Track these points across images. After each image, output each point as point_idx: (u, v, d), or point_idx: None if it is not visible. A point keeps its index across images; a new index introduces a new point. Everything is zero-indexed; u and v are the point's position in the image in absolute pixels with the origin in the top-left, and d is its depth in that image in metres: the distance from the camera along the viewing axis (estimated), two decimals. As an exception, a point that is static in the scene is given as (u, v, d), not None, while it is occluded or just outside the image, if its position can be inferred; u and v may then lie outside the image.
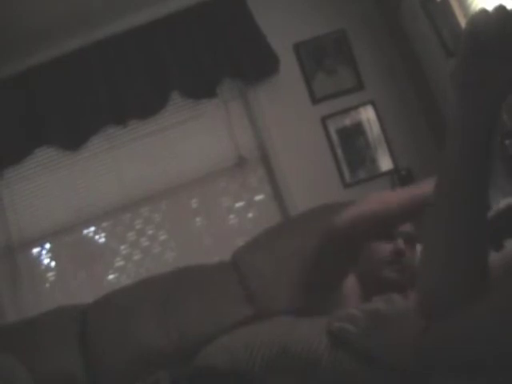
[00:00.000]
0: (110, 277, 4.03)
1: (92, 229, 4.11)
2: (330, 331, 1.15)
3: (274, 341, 1.20)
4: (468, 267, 0.96)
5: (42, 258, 4.08)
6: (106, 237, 4.12)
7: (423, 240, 1.01)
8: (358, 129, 4.04)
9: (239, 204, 4.14)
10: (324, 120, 4.03)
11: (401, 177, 3.84)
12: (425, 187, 1.61)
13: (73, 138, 3.92)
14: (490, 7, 0.89)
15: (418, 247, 1.97)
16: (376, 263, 1.86)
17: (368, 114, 4.05)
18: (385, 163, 3.99)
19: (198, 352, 1.34)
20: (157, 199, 4.07)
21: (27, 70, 3.91)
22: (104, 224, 4.09)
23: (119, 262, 4.05)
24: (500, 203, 2.79)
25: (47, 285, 4.03)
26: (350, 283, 1.91)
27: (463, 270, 0.96)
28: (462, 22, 3.18)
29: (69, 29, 3.87)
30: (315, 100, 4.07)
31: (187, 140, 4.07)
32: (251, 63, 3.94)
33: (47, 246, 4.08)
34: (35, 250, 4.06)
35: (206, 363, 1.20)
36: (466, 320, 0.91)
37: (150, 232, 4.08)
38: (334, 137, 4.02)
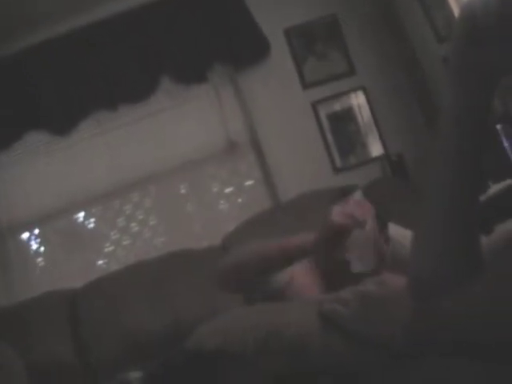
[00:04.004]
0: (100, 262, 4.03)
1: (82, 214, 4.10)
2: (321, 313, 1.16)
3: (265, 323, 1.21)
4: (459, 251, 0.96)
5: (32, 243, 4.07)
6: (95, 222, 4.11)
7: (415, 225, 1.01)
8: (348, 114, 4.04)
9: (229, 189, 4.14)
10: (314, 105, 4.03)
11: (391, 162, 3.84)
12: (303, 238, 1.70)
13: (62, 123, 3.90)
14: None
15: (392, 227, 1.97)
16: (338, 248, 1.87)
17: (359, 100, 4.05)
18: (375, 149, 4.00)
19: (189, 335, 1.34)
20: (147, 184, 4.06)
21: (16, 53, 3.87)
22: (94, 209, 4.08)
23: (109, 248, 4.04)
24: (491, 188, 2.81)
25: (37, 270, 4.02)
26: (302, 281, 1.91)
27: (454, 254, 0.96)
28: (455, 7, 3.17)
29: (59, 13, 3.83)
30: (306, 85, 4.07)
31: (177, 125, 4.05)
32: (242, 48, 3.93)
33: (37, 231, 4.06)
34: (25, 236, 4.04)
35: (196, 346, 1.20)
36: (457, 302, 0.92)
37: (140, 217, 4.08)
38: (325, 122, 4.02)
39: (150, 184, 4.08)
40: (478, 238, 0.99)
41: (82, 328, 3.19)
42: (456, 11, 3.18)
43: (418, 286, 0.98)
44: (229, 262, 1.86)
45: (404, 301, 1.00)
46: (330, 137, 4.01)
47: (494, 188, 2.80)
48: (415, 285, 0.99)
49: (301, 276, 1.88)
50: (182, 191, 4.15)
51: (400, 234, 1.77)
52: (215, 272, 1.87)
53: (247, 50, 3.95)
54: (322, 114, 4.03)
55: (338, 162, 4.00)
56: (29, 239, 4.06)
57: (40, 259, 4.06)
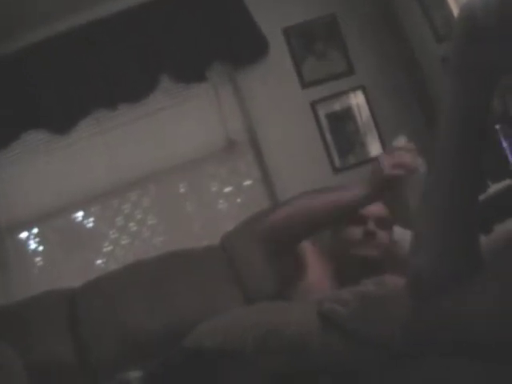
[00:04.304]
0: (99, 261, 4.03)
1: (80, 213, 4.09)
2: (320, 313, 1.16)
3: (265, 322, 1.21)
4: (459, 250, 0.96)
5: (30, 242, 4.06)
6: (94, 221, 4.10)
7: (414, 221, 1.02)
8: (347, 114, 4.04)
9: (228, 189, 4.14)
10: (314, 105, 4.02)
11: (390, 162, 3.84)
12: (352, 192, 1.69)
13: (62, 122, 3.89)
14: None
15: (396, 229, 1.99)
16: (346, 244, 1.89)
17: (358, 99, 4.05)
18: (374, 148, 4.00)
19: (189, 335, 1.34)
20: (146, 183, 4.06)
21: (16, 52, 3.87)
22: (92, 208, 4.08)
23: (108, 247, 4.04)
24: (490, 188, 2.81)
25: (35, 269, 4.02)
26: (317, 271, 1.92)
27: (454, 254, 0.96)
28: (454, 6, 3.17)
29: (58, 12, 3.83)
30: (305, 84, 4.07)
31: (176, 124, 4.05)
32: (241, 47, 3.93)
33: (35, 230, 4.06)
34: (23, 235, 4.04)
35: (195, 344, 1.21)
36: (457, 302, 0.92)
37: (139, 216, 4.07)
38: (324, 121, 4.02)
39: (149, 183, 4.08)
40: (477, 237, 1.00)
41: (81, 327, 3.18)
42: (455, 11, 3.18)
43: (418, 285, 0.99)
44: (279, 216, 1.82)
45: (404, 301, 1.00)
46: (329, 136, 4.01)
47: (494, 188, 2.81)
48: (415, 284, 1.00)
49: (314, 271, 1.89)
50: (181, 190, 4.15)
51: (405, 237, 1.78)
52: (263, 224, 1.83)
53: (246, 49, 3.95)
54: (321, 113, 4.02)
55: (337, 162, 3.99)
56: (27, 238, 4.06)
57: (39, 258, 4.05)
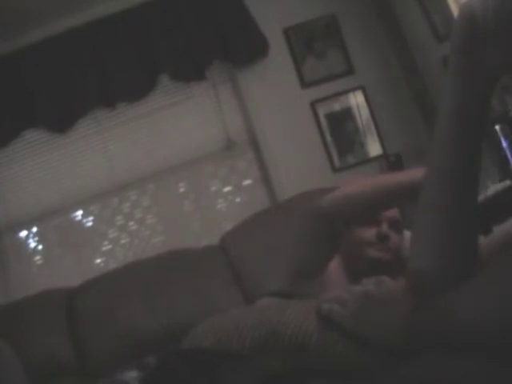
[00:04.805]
0: (98, 260, 4.03)
1: (80, 212, 4.09)
2: (319, 313, 1.16)
3: (263, 322, 1.21)
4: (458, 250, 0.96)
5: (30, 241, 4.06)
6: (93, 220, 4.10)
7: (414, 221, 1.01)
8: (347, 114, 4.04)
9: (227, 188, 4.14)
10: (313, 104, 4.02)
11: (390, 162, 3.84)
12: (412, 174, 1.64)
13: (61, 121, 3.89)
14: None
15: (406, 233, 1.98)
16: (360, 244, 1.89)
17: (357, 99, 4.05)
18: (374, 148, 4.00)
19: (187, 335, 1.34)
20: (145, 183, 4.06)
21: (15, 51, 3.87)
22: (92, 207, 4.08)
23: (107, 246, 4.04)
24: (489, 188, 2.81)
25: (34, 268, 4.01)
26: (334, 266, 1.93)
27: (453, 253, 0.96)
28: (453, 6, 3.17)
29: (58, 10, 3.83)
30: (305, 84, 4.07)
31: (176, 123, 4.05)
32: (241, 46, 3.93)
33: (34, 229, 4.06)
34: (23, 234, 4.04)
35: (194, 344, 1.20)
36: (456, 302, 0.92)
37: (138, 216, 4.07)
38: (324, 121, 4.02)
39: (149, 182, 4.07)
40: (476, 236, 0.99)
41: (80, 326, 3.18)
42: (455, 11, 3.18)
43: (417, 284, 0.99)
44: (339, 194, 1.81)
45: (403, 300, 1.00)
46: (328, 136, 4.01)
47: (493, 188, 2.81)
48: (414, 282, 1.00)
49: (333, 266, 1.90)
50: (181, 190, 4.15)
51: None
52: (323, 201, 1.82)
53: (246, 48, 3.95)
54: (321, 113, 4.02)
55: (337, 162, 3.99)
56: (27, 237, 4.06)
57: (38, 257, 4.05)
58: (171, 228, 4.05)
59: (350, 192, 1.79)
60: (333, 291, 1.62)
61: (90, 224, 4.10)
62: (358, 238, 1.90)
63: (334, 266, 1.94)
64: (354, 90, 4.05)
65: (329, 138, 4.01)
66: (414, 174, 1.63)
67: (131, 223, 4.07)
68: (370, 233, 1.88)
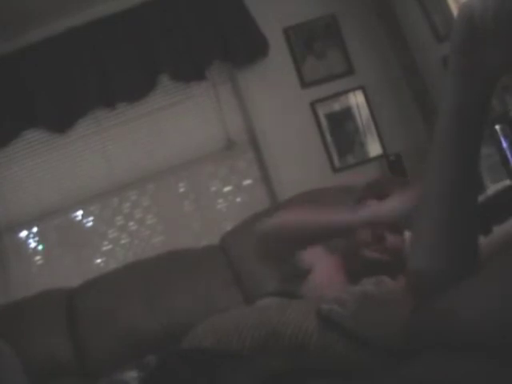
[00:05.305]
0: (98, 260, 4.02)
1: (80, 212, 4.09)
2: (319, 313, 1.16)
3: (263, 322, 1.20)
4: (458, 251, 0.96)
5: (30, 241, 4.06)
6: (93, 220, 4.10)
7: (414, 221, 1.01)
8: (347, 114, 4.04)
9: (227, 188, 4.13)
10: (313, 104, 4.02)
11: (390, 162, 3.84)
12: (349, 216, 1.67)
13: (61, 121, 3.89)
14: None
15: (407, 234, 1.98)
16: (357, 245, 1.88)
17: (357, 99, 4.04)
18: (374, 148, 4.00)
19: (187, 335, 1.33)
20: (145, 183, 4.06)
21: (15, 51, 3.86)
22: (92, 207, 4.07)
23: (107, 246, 4.04)
24: (489, 189, 2.81)
25: (34, 268, 4.01)
26: (328, 266, 1.92)
27: (453, 254, 0.96)
28: (453, 6, 3.17)
29: (58, 10, 3.83)
30: (304, 84, 4.06)
31: (176, 123, 4.05)
32: (241, 46, 3.92)
33: (35, 229, 4.05)
34: (23, 234, 4.04)
35: (194, 344, 1.20)
36: (456, 302, 0.92)
37: (138, 216, 4.07)
38: (323, 121, 4.02)
39: (148, 182, 4.07)
40: (477, 236, 0.99)
41: (80, 326, 3.18)
42: (455, 11, 3.17)
43: (417, 284, 0.99)
44: (270, 225, 1.79)
45: (403, 300, 1.00)
46: (328, 136, 4.01)
47: (493, 188, 2.80)
48: (414, 282, 0.99)
49: (322, 267, 1.89)
50: (181, 190, 4.14)
51: None
52: (254, 233, 1.80)
53: (246, 48, 3.95)
54: (321, 113, 4.02)
55: (337, 162, 3.99)
56: (27, 237, 4.06)
57: (38, 257, 4.05)
58: (171, 228, 4.05)
59: (283, 224, 1.78)
60: (324, 291, 1.63)
61: (90, 224, 4.10)
62: (356, 239, 1.90)
63: (328, 265, 1.93)
64: (353, 89, 4.05)
65: (329, 138, 4.01)
66: (350, 217, 1.67)
67: (131, 223, 4.06)
68: (365, 233, 1.87)
